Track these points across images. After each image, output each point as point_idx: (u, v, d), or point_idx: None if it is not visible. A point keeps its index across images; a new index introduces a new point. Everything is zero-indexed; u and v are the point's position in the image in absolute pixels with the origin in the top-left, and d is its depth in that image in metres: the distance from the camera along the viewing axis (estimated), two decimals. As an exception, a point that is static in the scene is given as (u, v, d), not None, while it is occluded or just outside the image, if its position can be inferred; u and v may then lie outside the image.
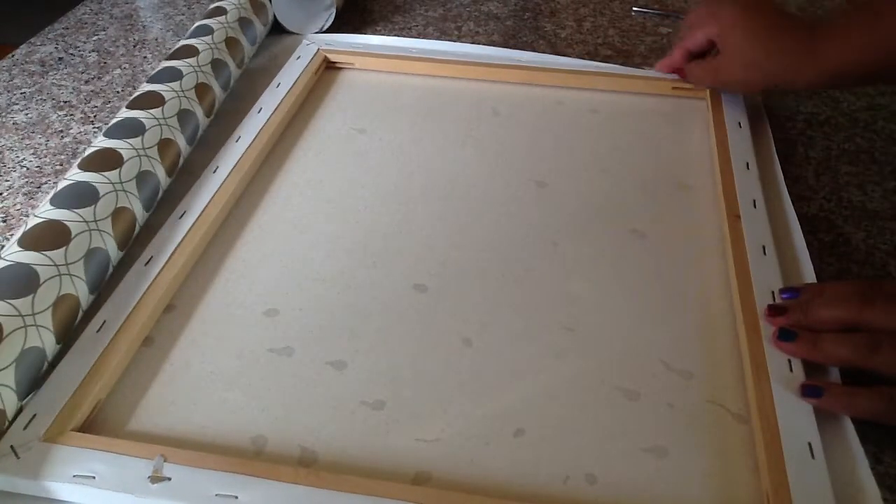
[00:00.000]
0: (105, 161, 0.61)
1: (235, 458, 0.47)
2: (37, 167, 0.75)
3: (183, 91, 0.71)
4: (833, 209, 0.71)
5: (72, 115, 0.83)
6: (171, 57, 0.76)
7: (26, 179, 0.74)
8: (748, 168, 0.70)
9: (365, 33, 0.98)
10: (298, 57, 0.86)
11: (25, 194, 0.72)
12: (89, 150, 0.63)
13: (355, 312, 0.59)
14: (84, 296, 0.54)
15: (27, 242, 0.53)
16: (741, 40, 0.74)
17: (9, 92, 0.87)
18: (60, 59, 0.94)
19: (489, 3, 1.08)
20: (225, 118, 0.79)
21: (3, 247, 0.63)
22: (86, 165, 0.61)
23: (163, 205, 0.67)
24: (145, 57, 0.94)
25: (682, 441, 0.50)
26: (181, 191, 0.68)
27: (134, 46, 0.97)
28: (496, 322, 0.58)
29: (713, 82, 0.80)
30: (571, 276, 0.62)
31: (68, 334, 0.53)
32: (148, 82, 0.72)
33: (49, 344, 0.51)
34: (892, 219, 0.70)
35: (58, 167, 0.75)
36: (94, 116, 0.83)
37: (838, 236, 0.68)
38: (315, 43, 0.89)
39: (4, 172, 0.75)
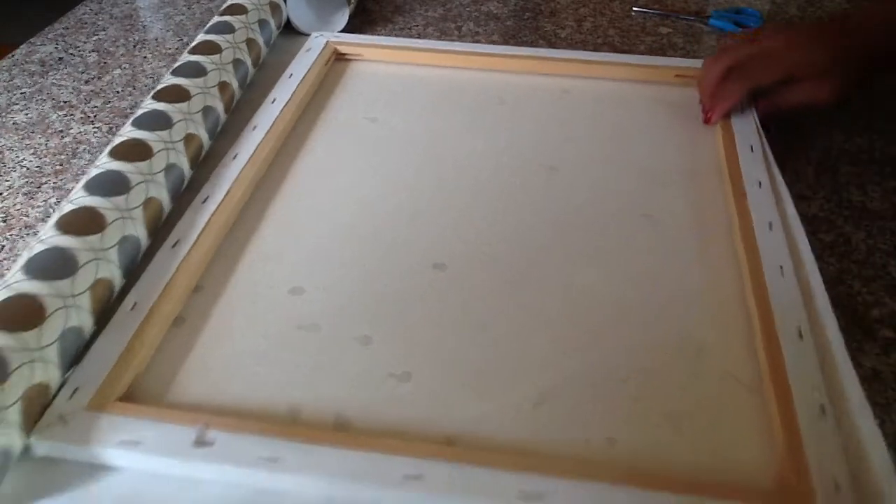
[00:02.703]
0: (136, 152, 0.67)
1: (274, 424, 0.52)
2: (37, 167, 0.79)
3: (207, 88, 0.77)
4: (833, 209, 0.74)
5: (72, 115, 0.87)
6: (194, 51, 0.81)
7: (26, 179, 0.78)
8: (752, 151, 0.77)
9: (364, 34, 1.03)
10: (309, 49, 0.93)
11: (25, 194, 0.76)
12: (119, 140, 0.68)
13: (376, 292, 0.64)
14: (118, 280, 0.60)
15: (65, 226, 0.58)
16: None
17: (9, 92, 0.91)
18: (60, 59, 0.98)
19: (489, 3, 1.14)
20: (240, 108, 0.84)
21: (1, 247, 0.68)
22: (117, 154, 0.66)
23: (185, 190, 0.72)
24: (145, 57, 0.99)
25: (698, 409, 0.56)
26: (202, 177, 0.73)
27: (134, 46, 1.01)
28: (513, 300, 0.64)
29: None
30: (585, 256, 0.68)
31: (103, 316, 0.58)
32: (172, 74, 0.78)
33: (87, 324, 0.56)
34: (892, 219, 0.73)
35: (58, 167, 0.79)
36: (94, 116, 0.87)
37: (838, 236, 0.71)
38: (324, 35, 0.96)
39: (4, 172, 0.78)
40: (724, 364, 0.59)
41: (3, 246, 0.69)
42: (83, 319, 0.55)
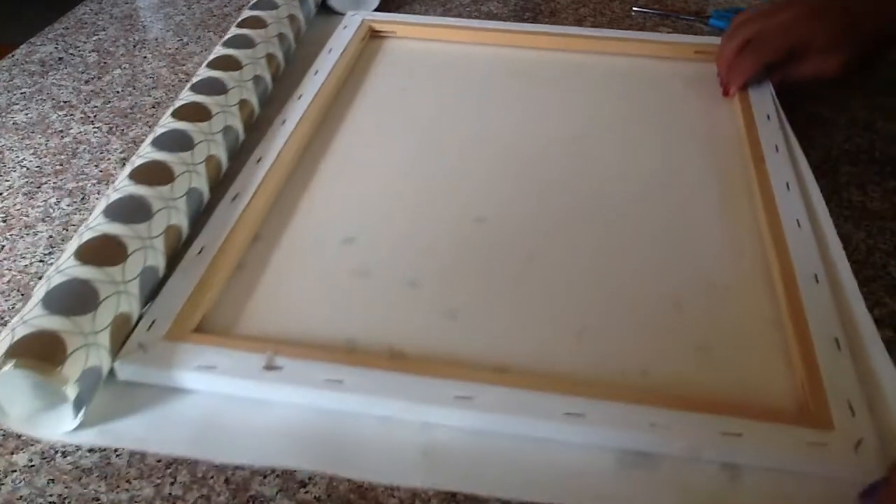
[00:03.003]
0: (196, 113, 0.81)
1: (335, 353, 0.65)
2: (37, 167, 0.89)
3: (255, 58, 0.93)
4: (833, 209, 0.81)
5: (72, 115, 0.98)
6: (242, 25, 0.97)
7: (26, 179, 0.87)
8: (769, 119, 0.92)
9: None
10: (345, 26, 1.10)
11: (25, 194, 0.85)
12: (179, 103, 0.83)
13: (422, 241, 0.78)
14: (185, 228, 0.74)
15: (138, 177, 0.72)
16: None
17: (9, 92, 1.02)
18: (60, 59, 1.10)
19: (489, 3, 1.27)
20: (283, 79, 0.99)
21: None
22: (179, 115, 0.81)
23: (239, 152, 0.86)
24: (145, 57, 1.11)
25: (723, 342, 0.68)
26: (254, 141, 0.88)
27: (134, 46, 1.14)
28: (550, 249, 0.77)
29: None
30: (615, 210, 0.82)
31: (172, 259, 0.72)
32: (223, 45, 0.93)
33: (161, 265, 0.69)
34: (892, 219, 0.81)
35: (58, 167, 0.89)
36: (94, 116, 0.98)
37: (838, 236, 0.78)
38: (359, 14, 1.13)
39: (4, 172, 0.88)
40: (747, 304, 0.72)
41: (3, 246, 0.78)
42: (158, 260, 0.69)
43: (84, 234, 0.67)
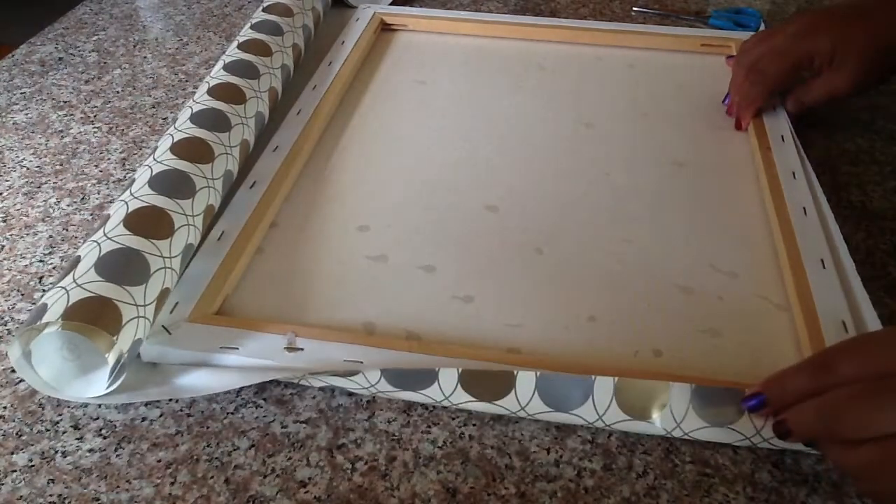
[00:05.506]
0: (232, 95, 0.85)
1: (354, 335, 0.69)
2: (37, 167, 0.92)
3: (284, 47, 0.97)
4: (833, 209, 0.82)
5: (72, 115, 1.01)
6: (269, 11, 1.01)
7: (26, 179, 0.90)
8: (775, 109, 0.97)
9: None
10: (357, 19, 1.15)
11: (25, 194, 0.87)
12: (215, 82, 0.86)
13: (437, 228, 0.82)
14: (217, 207, 0.77)
15: (180, 152, 0.75)
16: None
17: (9, 92, 1.06)
18: (60, 59, 1.14)
19: (489, 3, 1.32)
20: (298, 70, 1.03)
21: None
22: (215, 94, 0.84)
23: (256, 140, 0.89)
24: (145, 57, 1.14)
25: (733, 325, 0.72)
26: (270, 130, 0.92)
27: (134, 46, 1.17)
28: (562, 236, 0.81)
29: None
30: (625, 199, 0.87)
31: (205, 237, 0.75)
32: (252, 29, 0.97)
33: (196, 244, 0.73)
34: (892, 219, 0.84)
35: (58, 167, 0.92)
36: (94, 116, 1.01)
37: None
38: (371, 7, 1.18)
39: (4, 172, 0.91)
40: (756, 288, 0.76)
41: (3, 246, 0.80)
42: (196, 239, 0.72)
43: (130, 203, 0.69)
